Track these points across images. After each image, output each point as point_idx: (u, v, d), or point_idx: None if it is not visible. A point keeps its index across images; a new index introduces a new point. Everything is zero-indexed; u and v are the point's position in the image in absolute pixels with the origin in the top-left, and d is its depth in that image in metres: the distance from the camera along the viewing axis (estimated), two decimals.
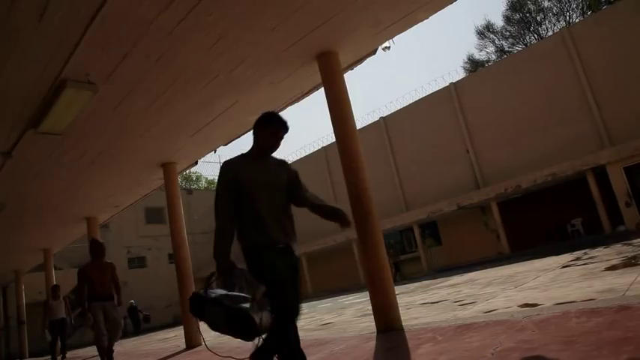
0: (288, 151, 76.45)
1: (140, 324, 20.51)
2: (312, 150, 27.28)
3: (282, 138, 2.63)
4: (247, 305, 2.31)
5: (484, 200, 18.98)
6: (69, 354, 9.88)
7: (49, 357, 12.92)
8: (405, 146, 22.90)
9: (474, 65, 33.68)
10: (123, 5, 3.82)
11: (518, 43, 32.85)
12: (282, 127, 2.60)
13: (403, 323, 4.55)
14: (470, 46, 63.70)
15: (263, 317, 2.26)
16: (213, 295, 2.43)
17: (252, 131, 2.66)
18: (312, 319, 8.96)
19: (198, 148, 7.86)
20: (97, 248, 5.92)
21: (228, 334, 2.34)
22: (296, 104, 6.76)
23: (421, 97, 23.04)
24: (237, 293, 2.44)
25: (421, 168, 22.26)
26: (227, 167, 2.53)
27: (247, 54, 4.99)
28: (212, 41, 4.59)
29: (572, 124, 17.85)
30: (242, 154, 2.66)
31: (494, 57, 33.17)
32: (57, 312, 9.49)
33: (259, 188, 2.50)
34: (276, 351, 2.38)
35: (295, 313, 2.43)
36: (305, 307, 13.48)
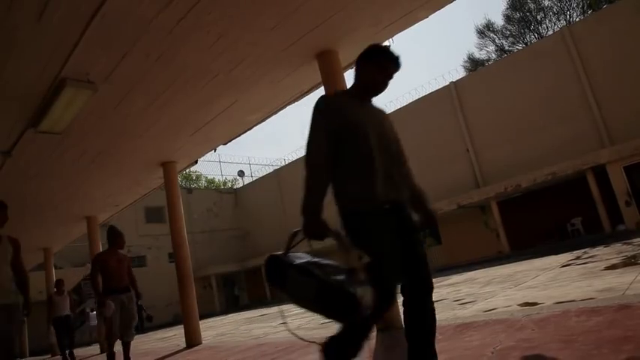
0: (288, 150, 76.50)
1: (143, 322, 20.60)
2: None
3: (391, 76, 2.12)
4: (343, 278, 1.83)
5: (484, 199, 18.99)
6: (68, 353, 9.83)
7: (49, 356, 12.90)
8: (404, 145, 22.79)
9: (474, 64, 33.70)
10: (123, 4, 3.82)
11: (518, 42, 32.87)
12: (392, 62, 2.09)
13: (403, 322, 4.55)
14: (470, 45, 63.79)
15: (365, 295, 1.78)
16: (298, 260, 1.93)
17: (354, 66, 2.18)
18: (312, 317, 8.96)
19: (198, 147, 7.86)
20: (115, 236, 5.43)
21: (316, 312, 1.91)
22: (295, 103, 6.76)
23: (421, 96, 23.07)
24: (327, 261, 1.96)
25: (421, 167, 22.20)
26: (326, 102, 2.04)
27: (247, 53, 4.99)
28: (212, 40, 4.59)
29: (572, 124, 17.85)
30: (341, 91, 2.19)
31: (494, 56, 33.21)
32: (61, 308, 9.07)
33: (367, 131, 2.00)
34: (357, 342, 1.88)
35: (392, 300, 1.91)
36: None
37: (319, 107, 2.01)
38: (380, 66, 2.09)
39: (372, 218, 1.93)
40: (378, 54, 2.11)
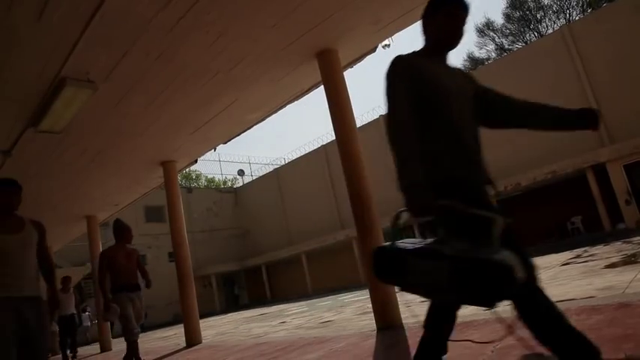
0: (288, 149, 76.50)
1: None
2: (312, 148, 27.32)
3: (464, 21, 1.86)
4: (479, 250, 1.51)
5: None
6: (68, 353, 9.84)
7: (49, 355, 12.87)
8: None
9: (473, 63, 33.66)
10: (122, 3, 3.82)
11: (518, 40, 32.84)
12: (460, 6, 1.84)
13: (403, 321, 4.55)
14: (470, 43, 63.65)
15: (515, 262, 1.47)
16: (411, 246, 1.66)
17: (421, 25, 1.95)
18: (312, 317, 8.97)
19: (197, 147, 7.86)
20: (123, 230, 5.14)
21: (454, 298, 1.69)
22: (296, 102, 6.76)
23: None
24: (443, 238, 1.68)
25: None
26: (405, 61, 1.78)
27: (247, 52, 4.98)
28: (211, 39, 4.59)
29: None
30: (414, 52, 1.90)
31: (494, 55, 33.19)
32: (67, 306, 8.90)
33: (451, 94, 1.77)
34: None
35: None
36: (305, 305, 13.48)
37: (395, 66, 1.77)
38: (450, 14, 1.84)
39: (478, 189, 1.77)
40: (444, 2, 1.87)
